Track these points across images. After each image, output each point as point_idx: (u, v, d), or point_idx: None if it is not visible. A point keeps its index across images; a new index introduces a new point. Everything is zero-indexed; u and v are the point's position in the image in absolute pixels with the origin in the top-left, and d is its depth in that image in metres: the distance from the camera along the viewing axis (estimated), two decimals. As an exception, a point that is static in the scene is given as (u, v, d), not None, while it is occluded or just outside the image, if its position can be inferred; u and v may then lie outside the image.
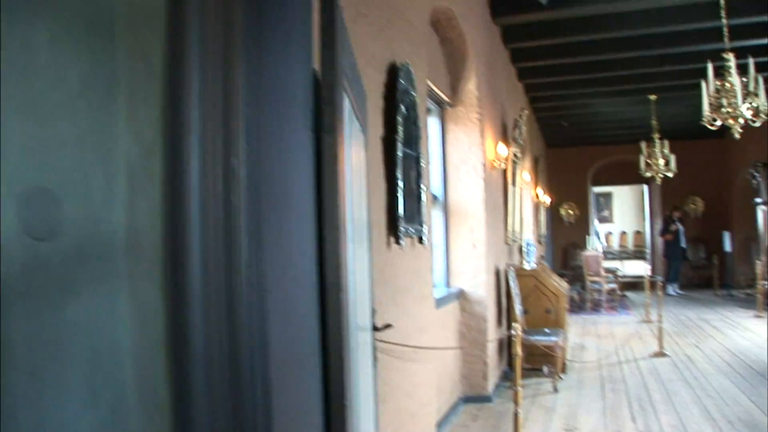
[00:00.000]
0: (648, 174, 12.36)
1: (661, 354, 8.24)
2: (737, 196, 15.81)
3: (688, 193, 17.11)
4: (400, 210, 3.39)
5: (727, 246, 15.19)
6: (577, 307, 13.15)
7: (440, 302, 5.47)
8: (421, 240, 3.86)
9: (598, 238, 21.52)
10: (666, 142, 12.18)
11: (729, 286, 14.89)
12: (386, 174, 3.38)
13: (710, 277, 15.79)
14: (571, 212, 18.17)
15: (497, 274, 6.95)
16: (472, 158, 6.30)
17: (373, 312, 2.74)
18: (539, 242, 13.07)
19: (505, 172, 7.75)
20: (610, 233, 24.29)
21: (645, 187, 20.04)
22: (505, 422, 5.43)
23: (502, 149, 7.03)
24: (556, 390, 6.65)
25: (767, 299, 11.64)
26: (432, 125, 6.29)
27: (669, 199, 16.83)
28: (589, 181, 18.61)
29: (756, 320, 10.88)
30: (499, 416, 5.85)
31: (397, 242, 3.39)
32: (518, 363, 4.65)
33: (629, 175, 18.19)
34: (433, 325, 4.70)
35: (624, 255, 22.66)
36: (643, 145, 12.20)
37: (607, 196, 25.50)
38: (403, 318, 3.60)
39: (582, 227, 17.89)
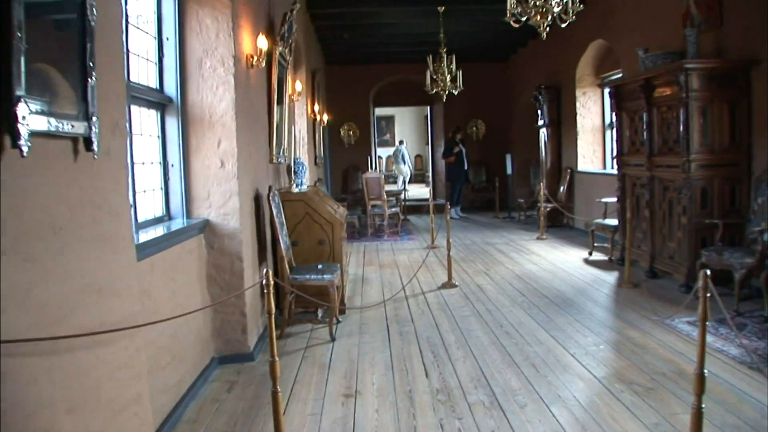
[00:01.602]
0: (434, 90, 11.66)
1: (450, 285, 7.42)
2: (519, 119, 15.84)
3: (471, 115, 17.05)
4: (21, 83, 1.78)
5: (509, 169, 15.07)
6: (358, 233, 12.34)
7: (172, 239, 3.96)
8: (88, 146, 2.27)
9: (405, 161, 21.15)
10: (453, 57, 11.61)
11: (509, 208, 14.83)
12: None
13: (491, 200, 15.75)
14: (351, 133, 17.28)
15: (257, 199, 5.51)
16: (220, 49, 4.73)
17: None
18: (316, 164, 11.87)
19: (270, 76, 6.25)
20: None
21: (428, 109, 19.65)
22: (269, 389, 4.05)
23: (263, 42, 5.50)
24: (333, 338, 5.53)
25: (547, 222, 11.52)
26: (167, 4, 4.64)
27: (452, 122, 16.59)
28: (371, 101, 17.77)
29: (539, 243, 10.66)
30: (263, 380, 4.52)
31: (16, 145, 1.81)
32: (272, 325, 3.30)
33: (413, 96, 17.72)
34: (141, 279, 3.21)
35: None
36: (430, 59, 11.43)
37: (389, 119, 25.04)
38: (53, 281, 2.05)
39: (363, 149, 17.13)
